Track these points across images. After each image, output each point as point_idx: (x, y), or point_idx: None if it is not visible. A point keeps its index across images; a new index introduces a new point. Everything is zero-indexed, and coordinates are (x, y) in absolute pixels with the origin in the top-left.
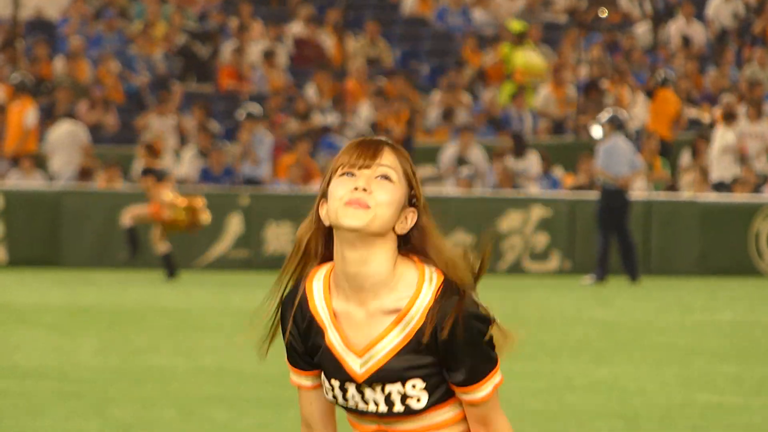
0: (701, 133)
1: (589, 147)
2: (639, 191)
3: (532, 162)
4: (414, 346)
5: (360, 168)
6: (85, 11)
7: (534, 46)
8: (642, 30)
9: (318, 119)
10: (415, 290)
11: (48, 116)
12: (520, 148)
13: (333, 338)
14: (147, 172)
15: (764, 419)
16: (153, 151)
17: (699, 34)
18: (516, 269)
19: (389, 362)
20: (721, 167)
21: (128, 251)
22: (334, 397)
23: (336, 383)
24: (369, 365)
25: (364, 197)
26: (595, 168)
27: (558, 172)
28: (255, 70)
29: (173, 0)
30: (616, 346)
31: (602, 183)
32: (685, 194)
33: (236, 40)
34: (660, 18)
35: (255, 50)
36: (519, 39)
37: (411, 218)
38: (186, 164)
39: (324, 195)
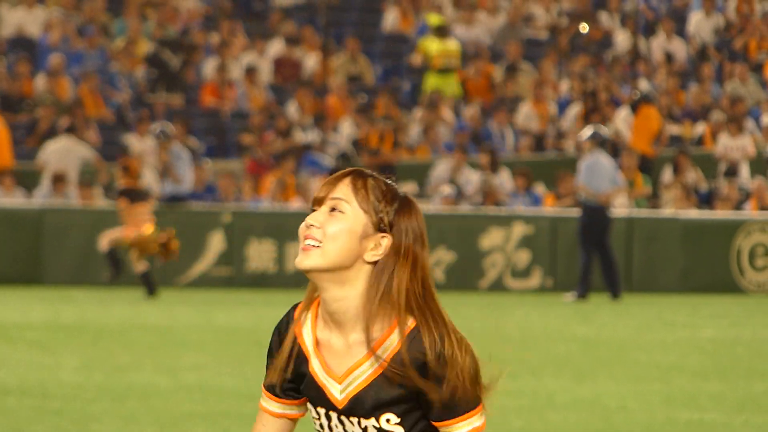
0: (683, 150)
1: (570, 164)
2: (621, 208)
3: (504, 178)
4: (386, 378)
5: (319, 203)
6: (67, 29)
7: (452, 38)
8: (621, 38)
9: (300, 136)
10: (391, 325)
11: (30, 133)
12: (494, 164)
13: (315, 366)
14: (122, 193)
15: None
16: (129, 171)
17: (680, 50)
18: (498, 286)
19: (365, 390)
20: None
21: (111, 272)
22: (321, 426)
23: (321, 411)
24: (347, 391)
25: (313, 232)
26: (576, 184)
27: (539, 189)
28: (236, 86)
29: (154, 16)
30: (598, 364)
31: (583, 200)
32: (667, 211)
33: (217, 57)
34: (639, 32)
35: (236, 67)
36: (439, 32)
37: (386, 244)
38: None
39: None
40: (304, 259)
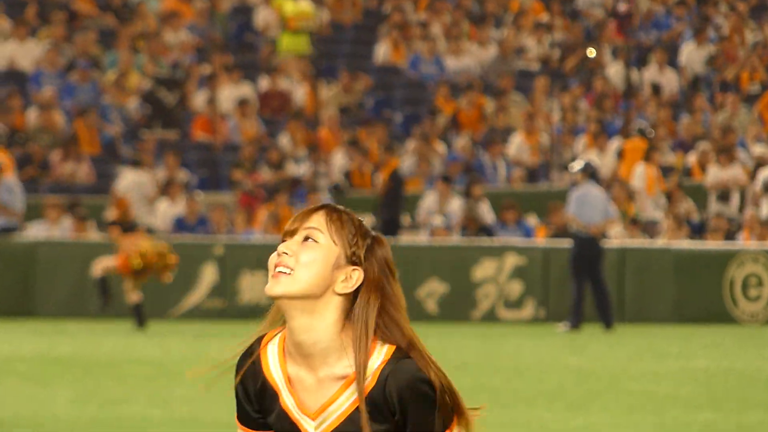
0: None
1: (561, 195)
2: (615, 239)
3: (484, 209)
4: (366, 409)
5: (291, 234)
6: (58, 62)
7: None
8: (614, 71)
9: (292, 168)
10: (365, 358)
11: (22, 166)
12: (474, 191)
13: (288, 402)
14: (113, 223)
15: None
16: (120, 205)
17: (671, 80)
18: (490, 317)
19: (342, 424)
20: None
21: (101, 301)
22: None
23: None
24: (323, 427)
25: (285, 260)
26: (567, 216)
27: (531, 220)
28: (228, 119)
29: (146, 49)
30: (591, 394)
31: (574, 231)
32: (659, 242)
33: (208, 90)
34: (631, 63)
35: (227, 99)
36: None
37: (357, 277)
38: (160, 214)
39: None
40: (275, 286)
